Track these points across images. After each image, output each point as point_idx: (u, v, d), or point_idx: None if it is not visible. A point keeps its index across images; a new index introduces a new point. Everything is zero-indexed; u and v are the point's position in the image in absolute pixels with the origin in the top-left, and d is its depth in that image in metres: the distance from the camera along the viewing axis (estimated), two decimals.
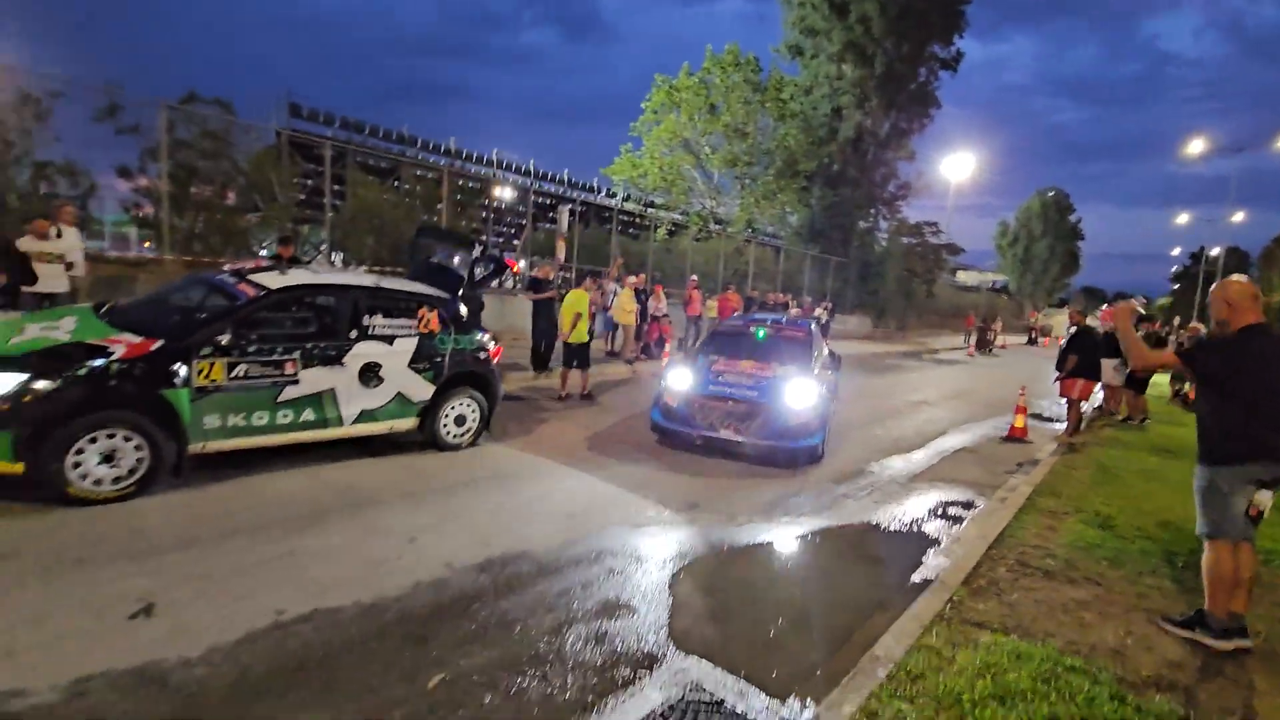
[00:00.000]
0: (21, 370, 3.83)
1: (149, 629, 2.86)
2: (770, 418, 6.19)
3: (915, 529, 5.08)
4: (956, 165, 31.04)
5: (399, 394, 5.51)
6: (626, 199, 25.93)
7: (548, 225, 25.28)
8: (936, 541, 4.80)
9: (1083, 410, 9.17)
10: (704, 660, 3.00)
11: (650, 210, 24.88)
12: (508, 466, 5.68)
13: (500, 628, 3.13)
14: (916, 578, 4.10)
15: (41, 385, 3.84)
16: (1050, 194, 59.56)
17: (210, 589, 3.22)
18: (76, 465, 3.93)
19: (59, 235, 7.48)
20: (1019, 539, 4.60)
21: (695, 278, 15.55)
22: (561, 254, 13.54)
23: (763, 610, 3.59)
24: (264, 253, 11.62)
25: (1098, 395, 11.00)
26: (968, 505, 5.74)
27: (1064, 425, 9.21)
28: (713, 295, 17.05)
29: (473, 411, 6.09)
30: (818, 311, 20.13)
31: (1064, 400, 9.02)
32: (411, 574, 3.56)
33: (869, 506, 5.49)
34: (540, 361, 10.09)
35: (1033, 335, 38.04)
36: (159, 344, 4.27)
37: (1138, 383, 10.22)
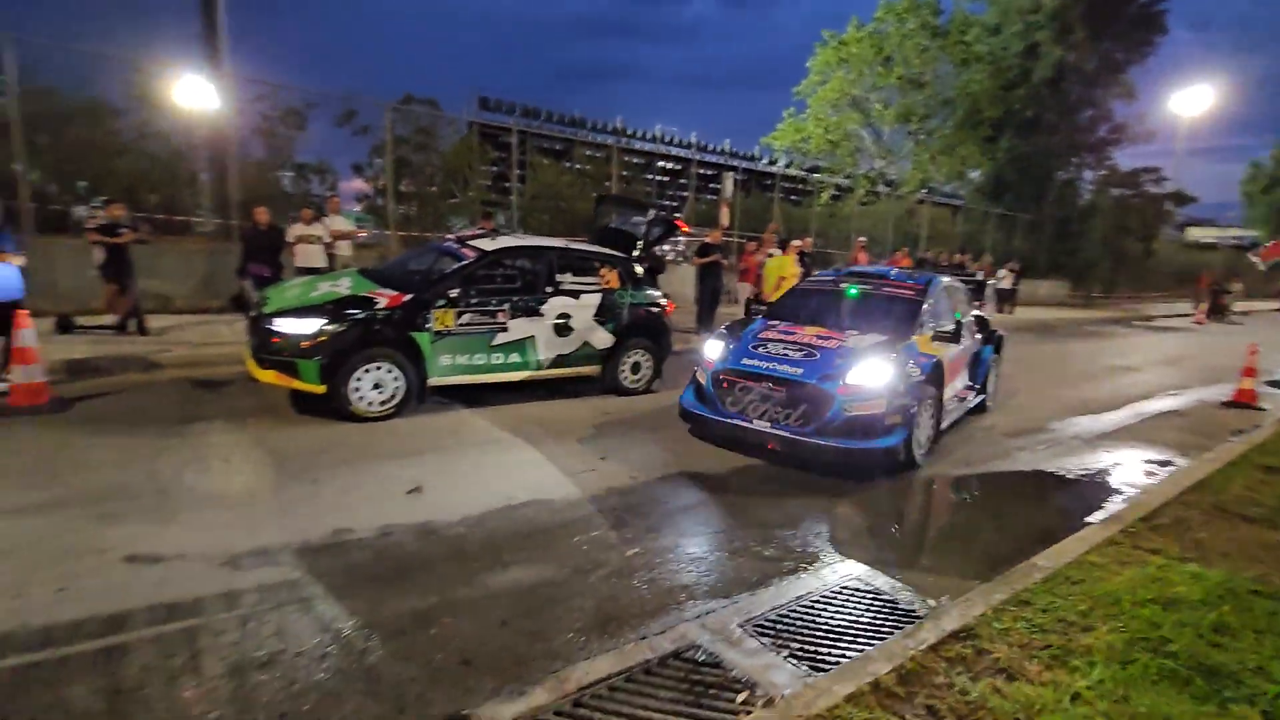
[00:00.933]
0: (322, 316, 5.06)
1: (421, 502, 3.79)
2: (819, 406, 4.45)
3: (1095, 480, 4.89)
4: (1189, 100, 26.39)
5: (586, 343, 6.30)
6: (789, 165, 25.44)
7: (709, 196, 25.67)
8: (1118, 491, 4.62)
9: None
10: (862, 565, 3.34)
11: (814, 175, 24.19)
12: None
13: (682, 521, 3.71)
14: (1091, 520, 4.04)
15: (333, 327, 5.05)
16: None
17: (458, 480, 4.14)
18: (356, 389, 5.13)
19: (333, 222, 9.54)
20: (1221, 489, 4.29)
21: (863, 238, 15.06)
22: (725, 219, 13.90)
23: (921, 533, 3.84)
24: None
25: None
26: (1164, 464, 5.35)
27: None
28: (880, 259, 16.43)
29: (647, 360, 6.75)
30: (1000, 274, 18.55)
31: None
32: (604, 482, 4.26)
33: (1045, 458, 5.34)
34: (705, 322, 10.59)
35: None
36: (409, 297, 5.37)
37: None
